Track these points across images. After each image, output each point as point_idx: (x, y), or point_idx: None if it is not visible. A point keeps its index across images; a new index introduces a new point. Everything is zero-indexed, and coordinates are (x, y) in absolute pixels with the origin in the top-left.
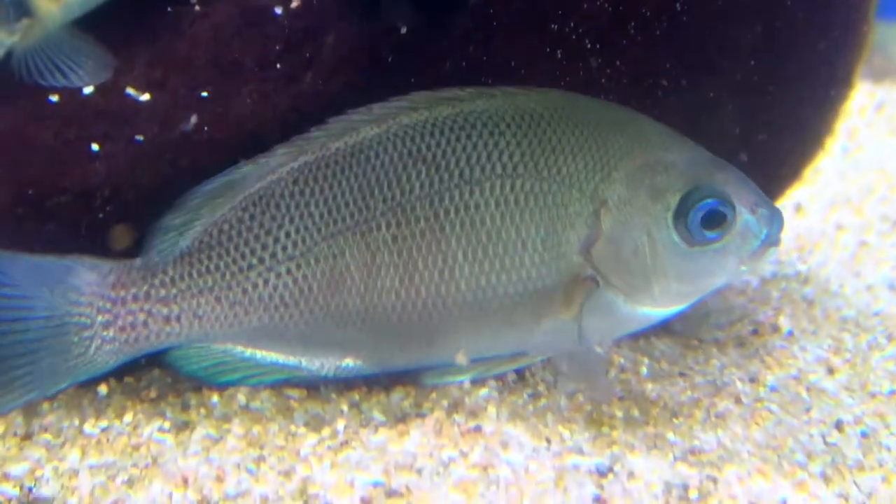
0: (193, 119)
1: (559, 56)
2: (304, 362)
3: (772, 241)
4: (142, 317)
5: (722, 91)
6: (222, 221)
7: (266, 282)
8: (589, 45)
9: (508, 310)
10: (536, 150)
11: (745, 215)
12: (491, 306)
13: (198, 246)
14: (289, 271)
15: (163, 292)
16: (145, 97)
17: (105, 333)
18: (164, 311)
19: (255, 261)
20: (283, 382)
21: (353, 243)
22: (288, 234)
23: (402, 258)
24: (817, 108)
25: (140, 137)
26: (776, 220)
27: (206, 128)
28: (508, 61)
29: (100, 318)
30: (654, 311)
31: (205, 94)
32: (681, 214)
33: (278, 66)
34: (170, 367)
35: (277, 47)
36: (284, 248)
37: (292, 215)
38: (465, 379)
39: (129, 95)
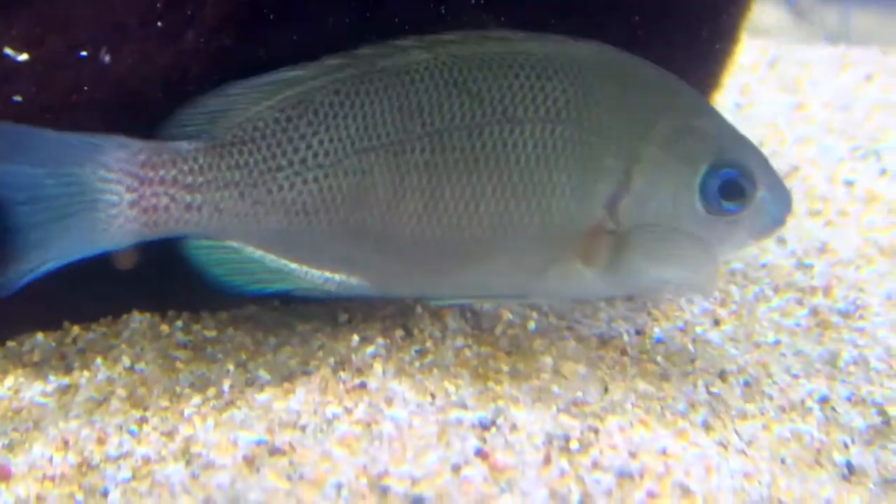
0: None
1: (443, 12)
2: (312, 273)
3: (780, 221)
4: (165, 200)
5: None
6: (258, 118)
7: (292, 186)
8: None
9: (525, 250)
10: (580, 100)
11: (762, 192)
12: (509, 245)
13: (230, 139)
14: (315, 179)
15: (189, 179)
16: (23, 57)
17: (129, 212)
18: (188, 198)
19: (284, 163)
20: (283, 294)
21: (383, 161)
22: (321, 142)
23: (429, 184)
24: (702, 62)
25: (18, 98)
26: (787, 201)
27: (86, 87)
28: (393, 16)
29: (127, 195)
30: None
31: (84, 53)
32: (707, 182)
33: (159, 24)
34: (183, 255)
35: (158, 5)
36: (315, 156)
37: (328, 124)
38: (470, 302)
39: (6, 55)
